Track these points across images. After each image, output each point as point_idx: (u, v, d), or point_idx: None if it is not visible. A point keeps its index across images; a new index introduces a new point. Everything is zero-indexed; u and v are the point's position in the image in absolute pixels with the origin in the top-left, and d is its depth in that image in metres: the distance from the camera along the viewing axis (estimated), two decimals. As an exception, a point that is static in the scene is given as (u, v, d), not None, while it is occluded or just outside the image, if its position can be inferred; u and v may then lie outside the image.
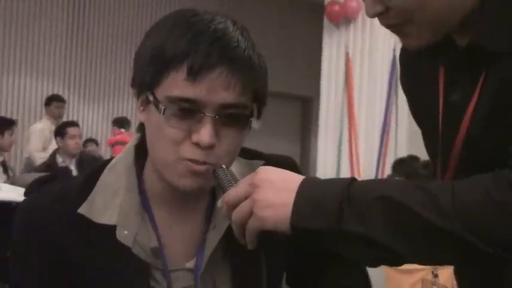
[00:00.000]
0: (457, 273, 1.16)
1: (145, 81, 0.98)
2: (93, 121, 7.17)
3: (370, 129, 5.54)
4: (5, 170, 5.23)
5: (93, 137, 7.46)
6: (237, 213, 0.92)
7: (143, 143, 1.05)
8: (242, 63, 0.95)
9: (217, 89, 0.94)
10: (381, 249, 0.86)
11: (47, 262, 1.00)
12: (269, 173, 0.93)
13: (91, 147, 6.97)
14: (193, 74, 0.93)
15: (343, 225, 0.87)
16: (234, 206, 0.93)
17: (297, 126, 8.44)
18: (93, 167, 1.10)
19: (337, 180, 0.92)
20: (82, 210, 1.00)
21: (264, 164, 1.12)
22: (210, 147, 0.96)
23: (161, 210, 1.06)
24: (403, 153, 5.27)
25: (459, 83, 1.01)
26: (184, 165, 0.97)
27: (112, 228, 1.00)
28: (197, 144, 0.96)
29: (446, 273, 2.91)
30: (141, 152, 1.07)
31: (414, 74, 1.15)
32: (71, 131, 5.54)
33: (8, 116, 6.40)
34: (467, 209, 0.83)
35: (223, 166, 0.97)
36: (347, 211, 0.87)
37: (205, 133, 0.94)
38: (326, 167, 5.54)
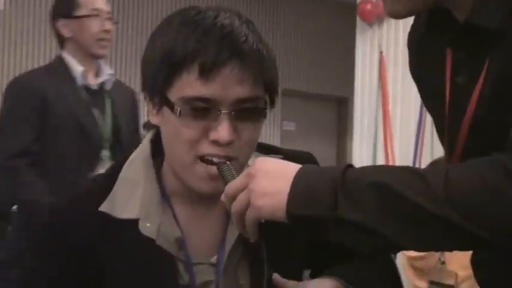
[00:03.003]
0: (473, 261, 1.15)
1: (156, 84, 1.00)
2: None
3: (406, 128, 5.47)
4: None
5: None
6: (235, 204, 0.93)
7: (158, 140, 1.06)
8: (252, 57, 0.97)
9: (231, 84, 0.95)
10: (376, 236, 0.86)
11: (73, 262, 1.02)
12: (265, 163, 0.94)
13: None
14: (206, 73, 0.94)
15: (338, 212, 0.87)
16: (233, 197, 0.94)
17: (332, 128, 8.38)
18: (112, 166, 1.13)
19: (333, 168, 0.92)
20: (103, 208, 1.02)
21: (283, 159, 1.14)
22: (230, 143, 0.97)
23: (181, 207, 1.08)
24: (439, 151, 5.19)
25: (465, 64, 1.00)
26: (203, 167, 0.98)
27: (135, 222, 1.01)
28: (216, 142, 0.97)
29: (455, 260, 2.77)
30: (157, 149, 1.08)
31: (423, 58, 1.14)
32: None
33: None
34: (462, 195, 0.83)
35: (228, 162, 0.98)
36: (341, 198, 0.87)
37: (223, 130, 0.96)
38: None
